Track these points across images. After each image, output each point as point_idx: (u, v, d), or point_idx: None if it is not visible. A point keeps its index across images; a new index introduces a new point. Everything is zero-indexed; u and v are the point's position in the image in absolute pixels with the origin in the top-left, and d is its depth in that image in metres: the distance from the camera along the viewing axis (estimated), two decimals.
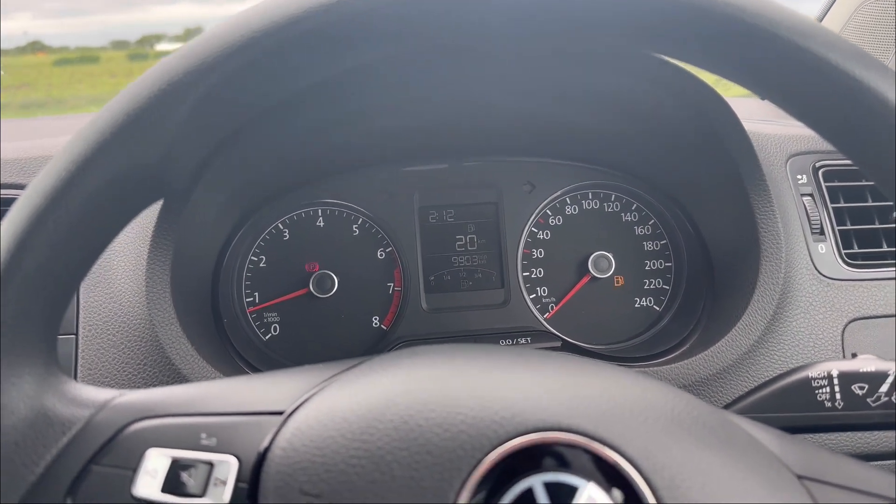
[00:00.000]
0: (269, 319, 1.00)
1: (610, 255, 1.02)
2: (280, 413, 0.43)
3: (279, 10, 0.44)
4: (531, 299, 1.03)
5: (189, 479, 0.40)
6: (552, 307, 1.03)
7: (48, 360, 0.44)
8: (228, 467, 0.41)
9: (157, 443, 0.42)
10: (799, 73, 0.43)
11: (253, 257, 1.01)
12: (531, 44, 0.48)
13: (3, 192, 0.89)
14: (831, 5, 1.21)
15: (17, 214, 0.42)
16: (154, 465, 0.41)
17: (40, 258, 0.42)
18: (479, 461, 0.38)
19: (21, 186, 0.89)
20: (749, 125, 0.90)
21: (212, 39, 0.45)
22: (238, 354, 0.93)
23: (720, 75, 0.49)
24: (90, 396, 0.45)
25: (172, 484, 0.40)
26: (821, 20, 1.23)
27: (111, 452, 0.42)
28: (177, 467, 0.41)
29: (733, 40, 0.44)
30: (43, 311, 0.43)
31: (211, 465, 0.41)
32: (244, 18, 0.45)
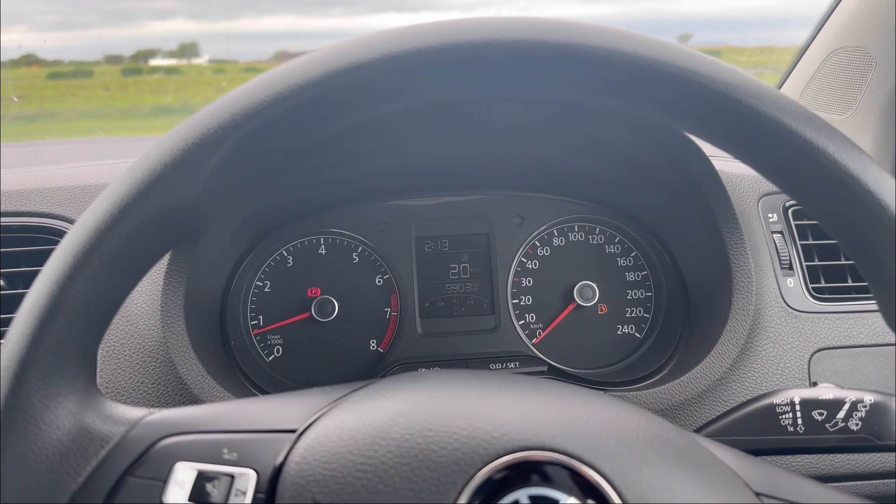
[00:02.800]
0: (273, 342, 1.04)
1: (594, 285, 1.06)
2: (293, 431, 0.47)
3: (305, 71, 0.48)
4: (520, 325, 1.06)
5: (213, 490, 0.44)
6: (539, 333, 1.07)
7: (88, 380, 0.48)
8: (248, 480, 0.45)
9: (185, 457, 0.46)
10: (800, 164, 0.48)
11: (258, 283, 1.04)
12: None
13: (3, 220, 0.92)
14: (800, 58, 1.28)
15: (65, 251, 0.46)
16: (182, 477, 0.45)
17: (85, 290, 0.46)
18: (472, 476, 0.42)
19: (22, 214, 0.94)
20: (724, 165, 0.95)
21: (242, 97, 0.49)
22: (244, 375, 0.97)
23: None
24: (125, 414, 0.48)
25: (198, 494, 0.44)
26: (790, 71, 1.30)
27: (144, 465, 0.46)
28: (202, 479, 0.45)
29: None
30: (85, 337, 0.47)
31: (232, 477, 0.45)
32: (271, 78, 0.50)
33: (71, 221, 0.92)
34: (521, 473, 0.43)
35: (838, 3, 1.20)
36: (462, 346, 1.04)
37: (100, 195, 0.48)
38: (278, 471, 0.45)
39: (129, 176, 0.48)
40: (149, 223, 0.48)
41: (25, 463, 0.44)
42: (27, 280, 0.88)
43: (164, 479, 0.45)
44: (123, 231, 0.47)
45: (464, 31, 0.48)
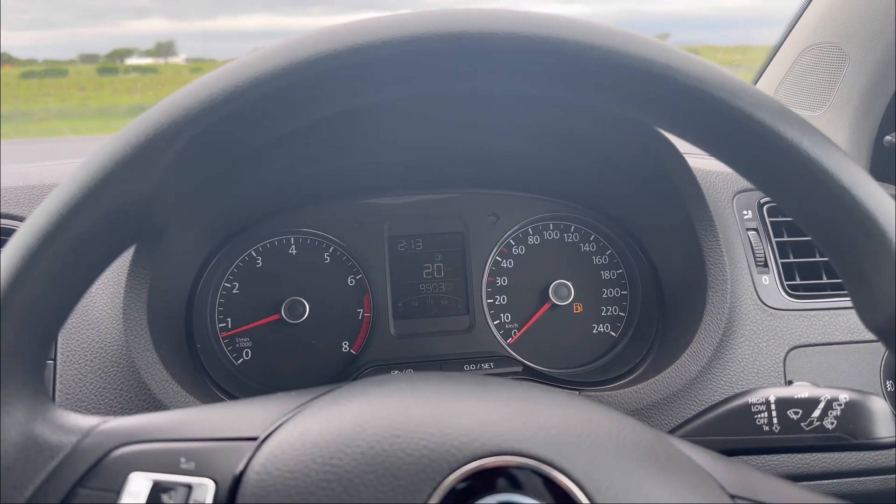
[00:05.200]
0: (242, 345, 1.02)
1: (569, 284, 1.06)
2: (254, 439, 0.45)
3: (263, 64, 0.47)
4: (495, 325, 1.06)
5: (169, 501, 0.43)
6: (515, 333, 1.06)
7: (37, 388, 0.46)
8: (206, 490, 0.43)
9: (140, 467, 0.44)
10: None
11: (226, 284, 1.02)
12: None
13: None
14: (775, 54, 1.28)
15: (13, 252, 0.44)
16: (137, 488, 0.43)
17: (34, 293, 0.44)
18: (440, 483, 0.41)
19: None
20: (698, 162, 0.96)
21: (199, 90, 0.47)
22: (211, 379, 0.95)
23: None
24: (76, 423, 0.47)
25: None
26: (765, 68, 1.31)
27: (97, 476, 0.44)
28: (158, 490, 0.43)
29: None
30: (34, 342, 0.45)
31: (190, 487, 0.43)
32: (230, 71, 0.48)
33: (23, 221, 0.90)
34: (491, 479, 0.42)
35: (812, 0, 1.21)
36: (436, 347, 1.03)
37: (49, 195, 0.47)
38: (238, 480, 0.43)
39: (80, 174, 0.46)
40: (100, 222, 0.46)
41: None
42: None
43: (117, 490, 0.44)
44: (72, 233, 0.45)
45: (433, 23, 0.47)
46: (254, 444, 0.45)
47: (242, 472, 0.43)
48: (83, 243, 0.46)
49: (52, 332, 0.47)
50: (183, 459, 0.44)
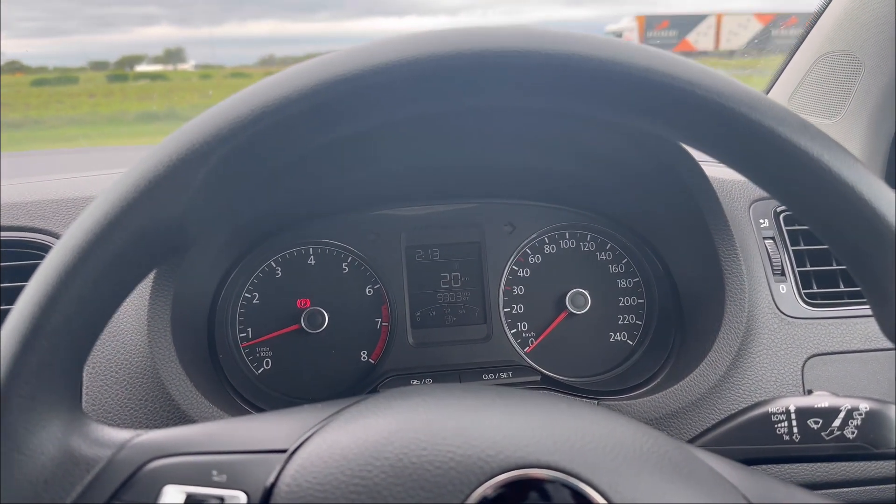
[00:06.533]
0: (262, 354, 1.02)
1: (586, 292, 1.06)
2: (284, 451, 0.46)
3: (290, 84, 0.48)
4: (512, 334, 1.06)
5: None
6: (532, 342, 1.07)
7: (73, 403, 0.47)
8: (238, 502, 0.44)
9: (173, 479, 0.45)
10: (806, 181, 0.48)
11: (247, 294, 1.03)
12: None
13: (3, 234, 0.91)
14: (788, 61, 1.28)
15: (47, 272, 0.45)
16: (170, 500, 0.44)
17: (68, 312, 0.45)
18: (468, 495, 0.42)
19: (4, 228, 0.92)
20: (714, 170, 0.95)
21: (227, 111, 0.48)
22: (233, 388, 0.96)
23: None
24: (111, 437, 0.48)
25: None
26: (778, 75, 1.30)
27: (131, 489, 0.45)
28: (191, 502, 0.44)
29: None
30: (69, 359, 0.46)
31: (222, 499, 0.44)
32: (258, 91, 0.49)
33: (54, 235, 0.91)
34: (518, 492, 0.43)
35: (826, 8, 1.21)
36: (454, 356, 1.04)
37: (82, 214, 0.48)
38: (269, 492, 0.44)
39: (113, 194, 0.47)
40: (133, 243, 0.47)
41: (9, 490, 0.43)
42: (11, 297, 0.87)
43: (151, 503, 0.44)
44: (107, 251, 0.46)
45: (455, 42, 0.48)
46: (283, 456, 0.46)
47: (273, 485, 0.44)
48: (116, 262, 0.47)
49: (86, 348, 0.48)
50: (215, 472, 0.45)
